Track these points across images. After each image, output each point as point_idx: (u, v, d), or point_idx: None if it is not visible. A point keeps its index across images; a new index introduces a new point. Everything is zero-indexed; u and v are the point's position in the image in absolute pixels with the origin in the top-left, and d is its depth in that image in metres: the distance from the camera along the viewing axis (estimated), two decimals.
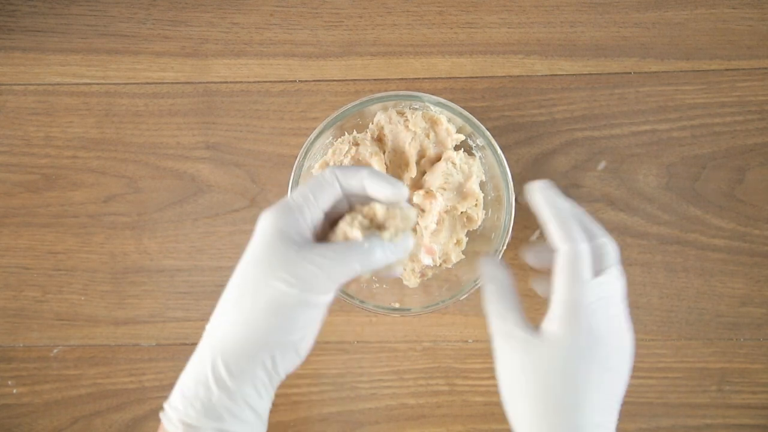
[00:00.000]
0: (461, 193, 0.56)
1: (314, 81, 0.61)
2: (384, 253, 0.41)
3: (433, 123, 0.57)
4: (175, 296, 0.62)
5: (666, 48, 0.61)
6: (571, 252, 0.41)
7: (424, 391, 0.62)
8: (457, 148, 0.57)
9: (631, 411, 0.62)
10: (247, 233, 0.62)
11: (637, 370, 0.62)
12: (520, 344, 0.41)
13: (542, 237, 0.61)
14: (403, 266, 0.56)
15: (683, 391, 0.61)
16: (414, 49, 0.61)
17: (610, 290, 0.42)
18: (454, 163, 0.55)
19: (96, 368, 0.63)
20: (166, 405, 0.43)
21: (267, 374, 0.41)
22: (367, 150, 0.56)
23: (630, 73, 0.61)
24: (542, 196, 0.44)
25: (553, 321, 0.41)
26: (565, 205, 0.44)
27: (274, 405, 0.62)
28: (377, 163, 0.55)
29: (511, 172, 0.54)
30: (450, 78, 0.61)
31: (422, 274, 0.58)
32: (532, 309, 0.61)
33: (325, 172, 0.43)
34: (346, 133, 0.56)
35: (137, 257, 0.62)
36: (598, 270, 0.42)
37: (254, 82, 0.62)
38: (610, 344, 0.41)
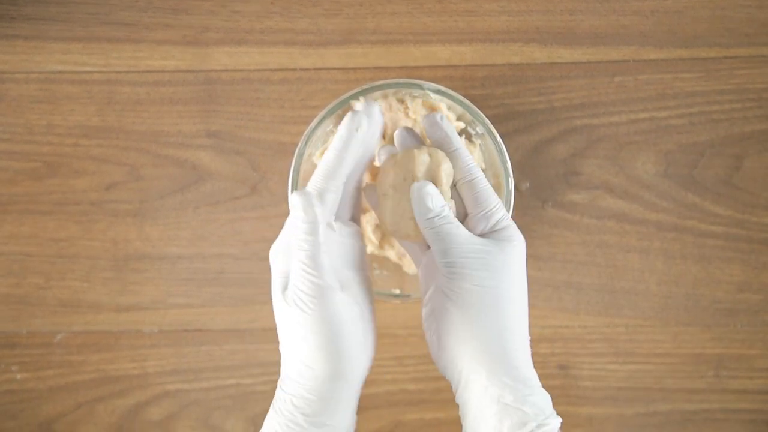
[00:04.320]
0: None
1: (315, 69, 0.62)
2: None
3: (433, 111, 0.57)
4: (177, 283, 0.63)
5: (665, 36, 0.61)
6: (480, 178, 0.45)
7: (424, 376, 0.62)
8: None
9: (628, 396, 0.62)
10: (248, 220, 0.62)
11: (634, 356, 0.62)
12: (476, 253, 0.43)
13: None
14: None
15: (681, 377, 0.62)
16: (414, 38, 0.61)
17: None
18: None
19: (99, 354, 0.63)
20: None
21: None
22: None
23: (629, 60, 0.61)
24: (448, 127, 0.47)
25: (497, 232, 0.44)
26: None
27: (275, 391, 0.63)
28: (379, 147, 0.56)
29: (510, 159, 0.54)
30: (450, 66, 0.61)
31: None
32: (530, 296, 0.62)
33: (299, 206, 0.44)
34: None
35: (139, 244, 0.63)
36: None
37: (255, 70, 0.62)
38: (522, 247, 0.45)
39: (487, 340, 0.41)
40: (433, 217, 0.43)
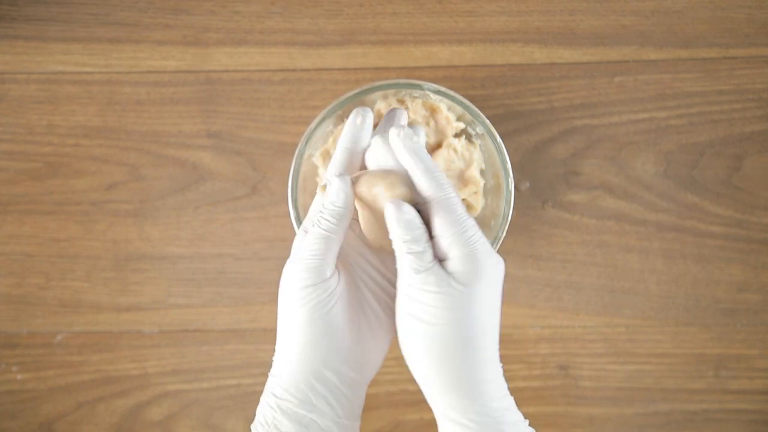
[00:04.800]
0: (462, 180, 0.57)
1: (315, 69, 0.62)
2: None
3: (432, 111, 0.57)
4: (178, 283, 0.63)
5: (665, 36, 0.61)
6: (449, 199, 0.42)
7: None
8: (456, 136, 0.57)
9: (628, 396, 0.62)
10: (248, 220, 0.62)
11: (634, 356, 0.62)
12: (439, 285, 0.40)
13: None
14: None
15: (680, 377, 0.62)
16: (414, 38, 0.62)
17: (476, 226, 0.42)
18: (455, 150, 0.56)
19: (99, 354, 0.63)
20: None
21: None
22: None
23: (629, 61, 0.61)
24: (407, 145, 0.43)
25: (457, 264, 0.40)
26: (426, 154, 0.43)
27: None
28: None
29: (510, 159, 0.54)
30: (450, 66, 0.62)
31: None
32: (530, 296, 0.62)
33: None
34: (345, 120, 0.57)
35: (140, 244, 0.63)
36: None
37: (255, 70, 0.62)
38: (497, 278, 0.42)
39: (458, 378, 0.40)
40: (407, 241, 0.41)
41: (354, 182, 0.43)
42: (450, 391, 0.40)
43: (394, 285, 0.45)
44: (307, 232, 0.42)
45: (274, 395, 0.42)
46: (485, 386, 0.41)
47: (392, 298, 0.45)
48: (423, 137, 0.46)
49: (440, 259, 0.41)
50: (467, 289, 0.40)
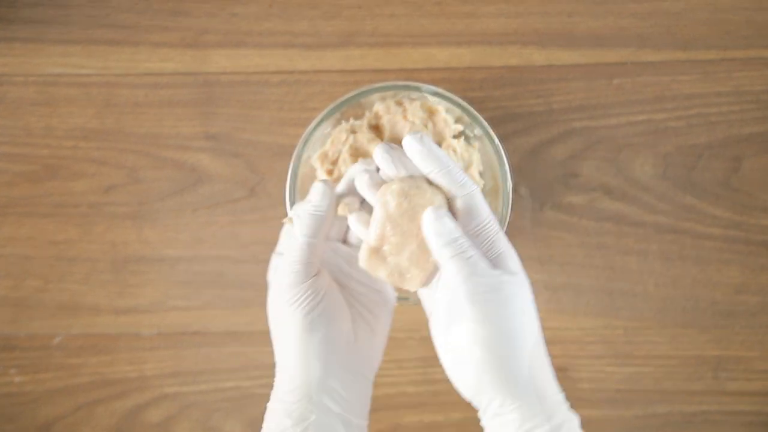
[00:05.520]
0: None
1: (313, 71, 0.62)
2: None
3: (431, 113, 0.57)
4: (176, 285, 0.63)
5: (663, 38, 0.61)
6: (475, 194, 0.42)
7: (423, 379, 0.62)
8: (455, 138, 0.57)
9: (627, 398, 0.62)
10: (247, 222, 0.62)
11: (633, 358, 0.62)
12: (499, 283, 0.40)
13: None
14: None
15: (679, 379, 0.62)
16: (412, 40, 0.61)
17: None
18: (455, 151, 0.56)
19: (97, 357, 0.63)
20: None
21: None
22: (365, 137, 0.56)
23: (627, 63, 0.61)
24: (426, 147, 0.42)
25: (502, 259, 0.41)
26: (443, 153, 0.43)
27: None
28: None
29: (508, 161, 0.54)
30: (448, 68, 0.62)
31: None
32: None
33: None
34: (343, 122, 0.57)
35: (138, 247, 0.63)
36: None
37: (254, 72, 0.62)
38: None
39: (517, 378, 0.40)
40: (452, 242, 0.40)
41: (380, 198, 0.42)
42: (512, 384, 0.40)
43: (368, 283, 0.46)
44: (293, 227, 0.43)
45: (278, 399, 0.42)
46: (545, 371, 0.41)
47: (375, 292, 0.46)
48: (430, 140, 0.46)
49: None
50: (523, 276, 0.41)
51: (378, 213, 0.41)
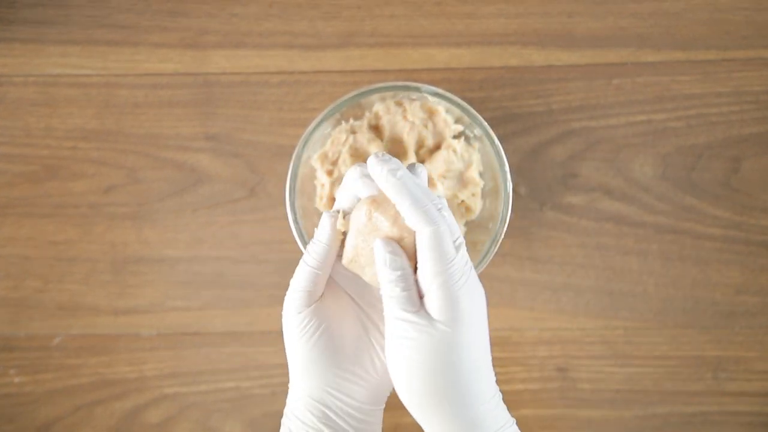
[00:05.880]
0: (461, 181, 0.57)
1: (313, 72, 0.62)
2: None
3: (431, 113, 0.57)
4: (176, 286, 0.63)
5: (662, 38, 0.61)
6: (435, 234, 0.39)
7: None
8: (455, 138, 0.57)
9: (627, 398, 0.62)
10: (246, 223, 0.62)
11: (633, 358, 0.62)
12: (417, 332, 0.39)
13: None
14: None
15: (679, 379, 0.62)
16: (412, 40, 0.62)
17: (466, 258, 0.41)
18: (455, 151, 0.56)
19: (97, 357, 0.63)
20: None
21: None
22: (365, 137, 0.56)
23: (626, 63, 0.61)
24: (391, 175, 0.40)
25: (436, 307, 0.39)
26: (413, 182, 0.40)
27: (274, 395, 0.63)
28: (376, 149, 0.56)
29: (508, 162, 0.54)
30: (448, 69, 0.62)
31: None
32: (529, 298, 0.62)
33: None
34: (343, 123, 0.57)
35: (138, 247, 0.63)
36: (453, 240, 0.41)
37: (253, 73, 0.62)
38: (480, 314, 0.41)
39: (453, 415, 0.40)
40: (392, 282, 0.40)
41: (353, 213, 0.42)
42: (447, 427, 0.40)
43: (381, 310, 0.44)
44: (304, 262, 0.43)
45: (292, 413, 0.43)
46: (482, 421, 0.40)
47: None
48: (424, 175, 0.43)
49: (421, 296, 0.40)
50: (451, 331, 0.39)
51: (351, 226, 0.42)
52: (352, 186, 0.42)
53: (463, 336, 0.39)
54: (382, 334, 0.43)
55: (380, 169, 0.40)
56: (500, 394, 0.42)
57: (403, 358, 0.40)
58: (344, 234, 0.43)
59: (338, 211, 0.43)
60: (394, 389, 0.42)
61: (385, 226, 0.41)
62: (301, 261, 0.43)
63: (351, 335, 0.43)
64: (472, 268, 0.41)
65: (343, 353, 0.42)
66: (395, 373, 0.40)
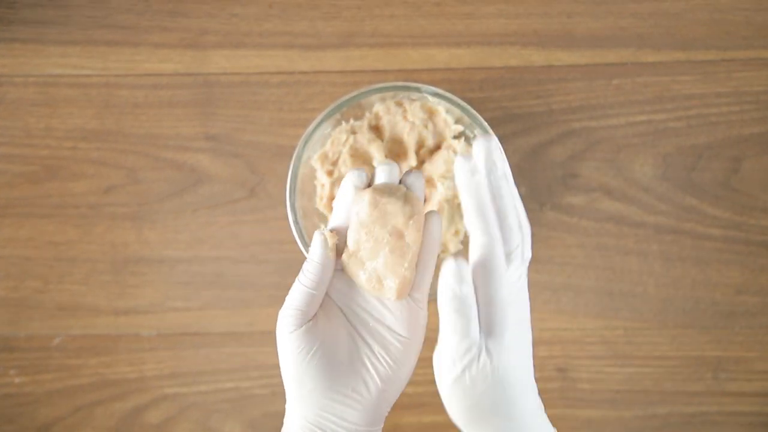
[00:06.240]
0: None
1: (313, 72, 0.62)
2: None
3: (431, 114, 0.57)
4: (176, 286, 0.63)
5: (662, 38, 0.61)
6: (487, 246, 0.41)
7: (422, 380, 0.62)
8: (455, 138, 0.57)
9: (627, 399, 0.62)
10: (246, 223, 0.62)
11: (633, 359, 0.62)
12: (466, 352, 0.41)
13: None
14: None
15: (679, 379, 0.62)
16: (412, 40, 0.62)
17: (519, 273, 0.42)
18: (455, 151, 0.56)
19: (97, 358, 0.63)
20: None
21: None
22: (365, 137, 0.56)
23: (627, 63, 0.61)
24: (469, 177, 0.41)
25: (483, 324, 0.41)
26: (484, 191, 0.41)
27: (274, 395, 0.63)
28: (376, 150, 0.56)
29: (508, 162, 0.54)
30: (448, 69, 0.62)
31: None
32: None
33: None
34: (343, 123, 0.57)
35: (137, 247, 0.63)
36: (508, 251, 0.41)
37: (253, 73, 0.62)
38: (526, 328, 0.42)
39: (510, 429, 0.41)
40: (456, 315, 0.40)
41: (354, 206, 0.42)
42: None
43: (383, 322, 0.44)
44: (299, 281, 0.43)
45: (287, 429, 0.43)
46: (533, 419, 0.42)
47: (386, 329, 0.43)
48: (421, 183, 0.44)
49: None
50: (498, 348, 0.40)
51: (352, 220, 0.42)
52: (350, 194, 0.43)
53: (511, 353, 0.41)
54: (374, 354, 0.43)
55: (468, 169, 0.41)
56: (542, 405, 0.42)
57: (452, 378, 0.41)
58: (338, 255, 0.42)
59: (330, 230, 0.43)
60: (391, 410, 0.43)
61: (396, 208, 0.41)
62: (296, 279, 0.42)
63: (344, 356, 0.42)
64: (525, 283, 0.42)
65: (336, 376, 0.42)
66: (445, 392, 0.42)
